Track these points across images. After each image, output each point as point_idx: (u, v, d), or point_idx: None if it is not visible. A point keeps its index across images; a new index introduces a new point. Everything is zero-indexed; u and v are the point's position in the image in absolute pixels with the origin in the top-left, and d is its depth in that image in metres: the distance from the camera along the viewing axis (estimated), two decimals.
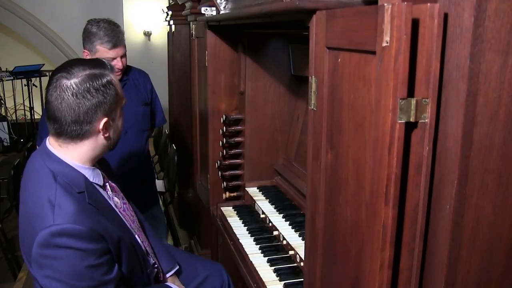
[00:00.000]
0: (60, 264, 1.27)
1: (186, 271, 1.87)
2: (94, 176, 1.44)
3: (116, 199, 1.55)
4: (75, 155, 1.37)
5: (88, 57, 2.16)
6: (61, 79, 1.31)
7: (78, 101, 1.30)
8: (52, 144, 1.38)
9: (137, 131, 2.45)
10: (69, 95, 1.29)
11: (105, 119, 1.35)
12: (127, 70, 2.41)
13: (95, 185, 1.44)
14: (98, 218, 1.33)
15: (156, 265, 1.68)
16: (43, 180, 1.33)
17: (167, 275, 1.76)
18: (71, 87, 1.29)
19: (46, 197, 1.29)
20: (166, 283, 1.73)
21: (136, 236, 1.58)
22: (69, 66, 1.34)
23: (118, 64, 2.24)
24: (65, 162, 1.36)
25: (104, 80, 1.34)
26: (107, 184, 1.52)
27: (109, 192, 1.52)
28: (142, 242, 1.61)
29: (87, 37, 2.19)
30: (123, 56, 2.26)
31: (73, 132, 1.33)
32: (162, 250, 1.78)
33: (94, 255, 1.29)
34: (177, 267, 1.80)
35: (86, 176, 1.39)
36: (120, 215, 1.53)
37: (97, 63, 1.38)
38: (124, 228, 1.50)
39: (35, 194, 1.33)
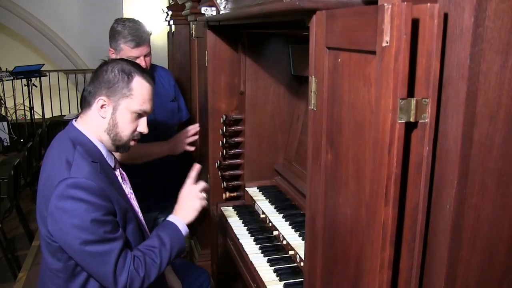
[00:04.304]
0: (70, 217, 1.37)
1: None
2: (108, 155, 1.56)
3: (124, 186, 1.63)
4: (89, 127, 1.52)
5: (113, 56, 2.20)
6: (109, 62, 1.54)
7: (97, 74, 1.50)
8: (77, 119, 1.56)
9: (167, 126, 2.55)
10: (97, 70, 1.52)
11: (103, 97, 1.48)
12: (152, 69, 2.45)
13: (107, 162, 1.56)
14: (107, 185, 1.45)
15: None
16: (63, 147, 1.48)
17: None
18: (103, 65, 1.52)
19: (65, 158, 1.43)
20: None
21: (142, 221, 1.65)
22: (125, 60, 1.58)
23: (141, 63, 2.23)
24: (84, 135, 1.51)
25: (126, 71, 1.50)
26: (118, 169, 1.64)
27: (119, 177, 1.62)
28: (146, 230, 1.69)
29: (113, 35, 2.21)
30: (147, 55, 2.27)
31: (85, 99, 1.52)
32: None
33: (100, 210, 1.38)
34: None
35: (101, 151, 1.53)
36: (128, 196, 1.62)
37: (144, 70, 1.57)
38: (131, 207, 1.57)
39: (56, 157, 1.47)
